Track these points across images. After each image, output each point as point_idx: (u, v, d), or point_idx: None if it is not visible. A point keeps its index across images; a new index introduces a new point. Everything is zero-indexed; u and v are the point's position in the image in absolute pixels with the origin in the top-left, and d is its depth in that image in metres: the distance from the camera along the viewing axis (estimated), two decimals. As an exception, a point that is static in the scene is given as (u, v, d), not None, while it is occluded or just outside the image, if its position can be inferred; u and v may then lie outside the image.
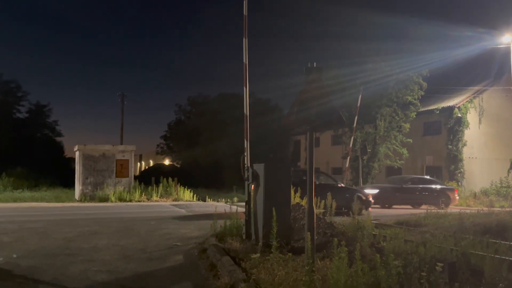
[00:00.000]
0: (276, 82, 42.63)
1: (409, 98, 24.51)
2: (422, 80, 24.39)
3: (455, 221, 9.18)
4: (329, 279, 3.87)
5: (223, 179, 32.05)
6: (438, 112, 26.13)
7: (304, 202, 8.77)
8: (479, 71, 29.93)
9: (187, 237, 8.06)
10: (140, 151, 57.89)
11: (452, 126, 25.75)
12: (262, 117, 29.22)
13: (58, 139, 38.06)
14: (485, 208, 12.89)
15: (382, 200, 17.74)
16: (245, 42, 7.73)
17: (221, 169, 33.99)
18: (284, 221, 6.19)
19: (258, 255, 5.41)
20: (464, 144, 25.47)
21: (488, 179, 22.33)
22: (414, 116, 24.98)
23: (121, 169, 18.40)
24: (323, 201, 8.36)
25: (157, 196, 18.40)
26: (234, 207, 8.44)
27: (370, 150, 24.38)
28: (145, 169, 49.01)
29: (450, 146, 25.59)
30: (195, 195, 19.18)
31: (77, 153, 18.28)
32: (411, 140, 24.94)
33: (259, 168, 6.62)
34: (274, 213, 5.33)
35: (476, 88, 27.40)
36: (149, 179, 20.79)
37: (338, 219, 8.21)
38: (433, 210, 11.67)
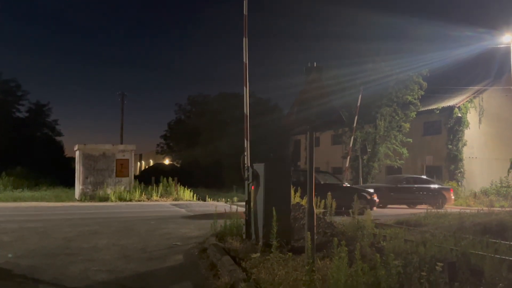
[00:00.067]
0: (276, 82, 42.69)
1: (409, 98, 24.50)
2: (422, 80, 24.38)
3: (455, 221, 9.19)
4: (329, 279, 3.87)
5: (223, 178, 32.05)
6: (438, 112, 26.12)
7: (304, 202, 8.77)
8: (479, 71, 29.96)
9: (187, 236, 8.06)
10: (140, 150, 57.97)
11: (452, 126, 25.74)
12: (262, 117, 29.22)
13: (58, 138, 38.11)
14: (485, 208, 12.90)
15: None
16: (245, 41, 7.73)
17: (221, 168, 34.00)
18: (284, 220, 6.19)
19: (258, 254, 5.42)
20: (464, 144, 25.46)
21: (488, 179, 22.33)
22: (414, 116, 24.98)
23: (121, 168, 18.39)
24: (323, 200, 8.36)
25: (157, 196, 18.39)
26: (234, 207, 8.45)
27: (370, 150, 24.38)
28: (145, 169, 48.99)
29: (450, 146, 25.58)
30: (195, 195, 19.17)
31: (77, 153, 18.27)
32: (411, 140, 24.94)
33: (259, 167, 6.62)
34: (274, 212, 5.33)
35: (476, 88, 27.39)
36: (149, 178, 20.79)
37: (338, 219, 8.22)
38: (433, 210, 11.66)
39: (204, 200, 18.55)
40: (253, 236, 6.61)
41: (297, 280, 4.15)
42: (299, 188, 10.59)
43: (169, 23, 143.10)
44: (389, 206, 18.01)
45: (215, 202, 16.75)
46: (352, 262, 3.98)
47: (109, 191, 17.66)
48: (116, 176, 18.26)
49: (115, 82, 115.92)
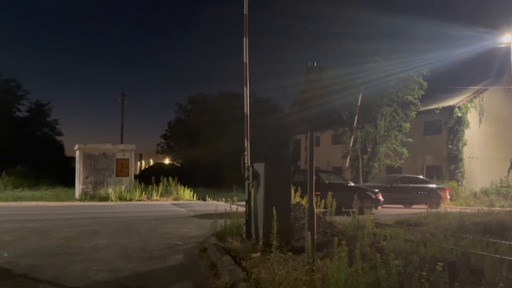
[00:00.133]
0: (277, 82, 42.63)
1: (410, 97, 24.48)
2: (423, 79, 24.36)
3: (455, 221, 9.18)
4: (329, 279, 3.87)
5: (223, 178, 32.07)
6: (438, 111, 26.12)
7: (304, 202, 8.77)
8: (480, 71, 29.97)
9: (187, 236, 8.06)
10: (140, 150, 58.04)
11: (452, 125, 25.74)
12: (262, 117, 29.22)
13: (58, 138, 38.14)
14: (485, 208, 12.89)
15: None
16: (245, 41, 7.73)
17: (221, 168, 34.01)
18: (284, 220, 6.19)
19: (259, 254, 5.42)
20: (464, 144, 25.46)
21: (488, 179, 22.32)
22: (415, 116, 24.96)
23: (122, 168, 18.39)
24: (323, 200, 8.35)
25: (157, 195, 18.39)
26: (234, 207, 8.45)
27: (370, 150, 24.37)
28: (145, 168, 49.01)
29: (450, 146, 25.58)
30: (195, 194, 19.17)
31: (77, 152, 18.27)
32: (411, 140, 24.93)
33: (260, 167, 6.62)
34: (274, 212, 5.33)
35: (477, 87, 27.38)
36: (149, 178, 20.79)
37: (338, 219, 8.22)
38: (433, 210, 11.65)
39: (204, 200, 18.55)
40: (253, 236, 6.61)
41: (297, 280, 4.15)
42: (299, 187, 10.60)
43: (169, 23, 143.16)
44: (384, 206, 17.96)
45: (215, 202, 16.75)
46: (352, 261, 3.98)
47: (109, 190, 17.66)
48: (116, 175, 18.26)
49: (116, 81, 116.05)
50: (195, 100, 44.13)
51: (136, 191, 18.07)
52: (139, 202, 17.11)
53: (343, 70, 22.60)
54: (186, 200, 18.51)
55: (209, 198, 18.84)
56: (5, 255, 6.07)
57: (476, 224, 8.46)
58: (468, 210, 12.38)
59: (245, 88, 7.80)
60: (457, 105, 25.70)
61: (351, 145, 23.58)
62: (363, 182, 22.31)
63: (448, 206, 17.24)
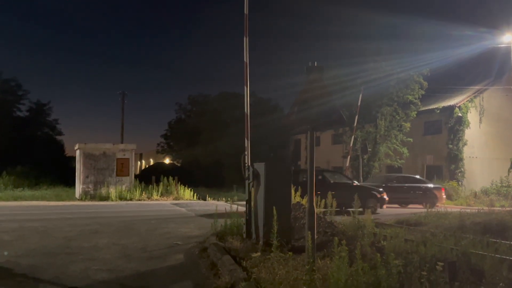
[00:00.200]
0: (277, 81, 42.55)
1: (410, 97, 24.47)
2: (423, 79, 24.35)
3: (456, 221, 9.17)
4: (329, 278, 3.87)
5: (223, 178, 32.07)
6: (438, 111, 26.10)
7: (304, 201, 8.77)
8: (480, 71, 29.93)
9: (187, 236, 8.06)
10: (140, 150, 58.06)
11: (452, 125, 25.73)
12: (262, 117, 29.22)
13: (58, 137, 38.10)
14: (485, 208, 12.88)
15: None
16: (245, 41, 7.73)
17: (222, 168, 34.01)
18: (285, 220, 6.19)
19: (259, 254, 5.42)
20: (465, 144, 25.44)
21: (489, 179, 22.31)
22: (415, 116, 24.96)
23: (122, 167, 18.39)
24: (323, 200, 8.34)
25: (157, 195, 18.40)
26: (234, 206, 8.45)
27: (370, 149, 24.36)
28: (145, 168, 49.02)
29: (450, 146, 25.57)
30: (195, 194, 19.18)
31: (77, 152, 18.28)
32: (411, 140, 24.92)
33: (260, 167, 6.62)
34: (274, 212, 5.33)
35: (477, 87, 27.37)
36: (149, 178, 20.79)
37: (338, 218, 8.22)
38: (433, 210, 11.65)
39: (205, 200, 18.55)
40: (254, 236, 6.61)
41: (297, 280, 4.15)
42: (299, 187, 10.60)
43: (169, 23, 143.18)
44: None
45: (216, 202, 16.75)
46: (352, 261, 3.98)
47: (109, 190, 17.66)
48: (117, 175, 18.27)
49: (116, 81, 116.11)
50: (195, 100, 44.15)
51: (136, 190, 18.08)
52: (139, 202, 17.12)
53: (343, 70, 22.58)
54: (186, 199, 18.51)
55: (209, 198, 18.85)
56: (6, 253, 6.08)
57: (476, 224, 8.46)
58: (468, 210, 12.37)
59: (245, 87, 7.80)
60: (458, 105, 25.69)
61: (351, 145, 23.57)
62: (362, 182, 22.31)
63: (448, 206, 17.24)
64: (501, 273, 4.37)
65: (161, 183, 19.16)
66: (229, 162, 30.34)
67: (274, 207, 5.53)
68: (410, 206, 17.95)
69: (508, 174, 20.84)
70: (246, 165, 7.22)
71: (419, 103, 24.89)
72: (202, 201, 18.02)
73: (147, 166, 53.28)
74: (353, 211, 7.59)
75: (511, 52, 21.54)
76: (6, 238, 7.46)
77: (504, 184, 21.20)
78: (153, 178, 20.03)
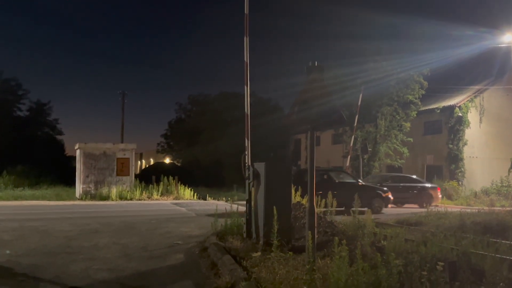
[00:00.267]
0: (277, 81, 42.58)
1: (410, 97, 24.48)
2: (423, 79, 24.36)
3: (456, 220, 9.18)
4: (329, 278, 3.88)
5: (223, 177, 32.08)
6: (439, 111, 26.11)
7: (305, 201, 8.77)
8: (480, 70, 29.92)
9: (188, 235, 8.06)
10: (140, 149, 58.01)
11: (452, 125, 25.73)
12: (263, 117, 29.19)
13: (58, 137, 38.11)
14: (485, 208, 12.88)
15: None
16: (246, 40, 7.73)
17: (222, 168, 34.01)
18: (285, 219, 6.19)
19: (259, 253, 5.43)
20: (465, 144, 25.45)
21: (489, 179, 22.32)
22: (415, 115, 24.96)
23: (122, 167, 18.40)
24: (323, 199, 8.34)
25: (157, 195, 18.40)
26: (234, 206, 8.45)
27: (370, 149, 24.36)
28: (145, 168, 49.03)
29: (450, 145, 25.57)
30: (195, 194, 19.18)
31: (78, 151, 18.28)
32: (411, 139, 24.92)
33: (260, 167, 6.62)
34: (275, 211, 5.33)
35: (477, 87, 27.37)
36: (149, 177, 20.81)
37: (338, 218, 8.21)
38: (433, 209, 11.65)
39: (205, 199, 18.56)
40: (254, 235, 6.61)
41: (297, 279, 4.15)
42: (299, 187, 10.60)
43: (169, 23, 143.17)
44: None
45: (216, 201, 16.74)
46: (352, 261, 3.98)
47: (110, 190, 17.67)
48: (117, 175, 18.28)
49: (116, 81, 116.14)
50: (196, 99, 44.15)
51: (136, 190, 18.08)
52: (139, 202, 17.13)
53: (343, 70, 22.59)
54: (187, 199, 18.52)
55: (210, 198, 18.85)
56: (7, 252, 6.08)
57: (476, 223, 8.47)
58: (469, 210, 12.38)
59: (245, 87, 7.80)
60: (458, 105, 25.69)
61: (351, 144, 23.57)
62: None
63: (448, 206, 17.22)
64: (502, 273, 4.37)
65: (161, 183, 19.16)
66: (229, 162, 30.35)
67: (274, 207, 5.53)
68: (405, 206, 17.90)
69: (509, 174, 20.87)
70: (246, 165, 7.22)
71: (419, 103, 24.90)
72: (202, 201, 18.02)
73: (147, 165, 53.29)
74: (353, 211, 7.58)
75: (511, 52, 21.53)
76: (6, 237, 7.46)
77: (504, 184, 21.21)
78: (153, 177, 20.04)
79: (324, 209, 8.26)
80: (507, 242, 6.20)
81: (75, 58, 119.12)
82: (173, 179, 19.59)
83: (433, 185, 19.34)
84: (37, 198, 17.02)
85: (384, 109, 24.30)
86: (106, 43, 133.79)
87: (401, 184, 18.34)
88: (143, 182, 19.32)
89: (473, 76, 29.79)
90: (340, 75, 22.15)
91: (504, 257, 4.93)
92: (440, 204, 17.12)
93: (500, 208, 13.42)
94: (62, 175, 26.61)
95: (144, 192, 18.32)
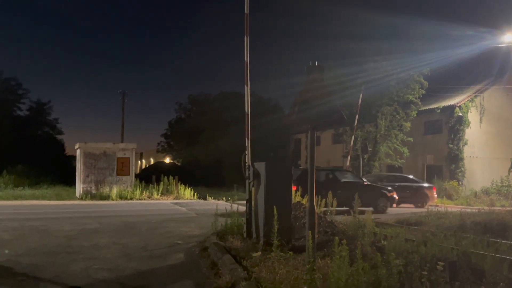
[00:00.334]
0: (277, 81, 42.58)
1: (410, 97, 24.47)
2: (423, 79, 24.34)
3: (456, 220, 9.18)
4: (330, 278, 3.88)
5: (223, 177, 32.07)
6: (439, 111, 26.10)
7: (305, 201, 8.77)
8: (481, 70, 29.89)
9: (188, 235, 8.06)
10: (140, 149, 58.08)
11: (453, 125, 25.72)
12: (263, 116, 29.18)
13: (59, 137, 38.12)
14: (486, 207, 12.88)
15: None
16: (246, 40, 7.73)
17: (222, 167, 34.01)
18: (285, 219, 6.19)
19: (259, 253, 5.43)
20: (465, 143, 25.44)
21: (489, 178, 22.32)
22: (415, 115, 24.95)
23: (122, 167, 18.39)
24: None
25: (158, 194, 18.40)
26: (235, 206, 8.45)
27: (371, 149, 24.36)
28: (145, 167, 49.04)
29: (451, 145, 25.56)
30: (196, 194, 19.18)
31: (78, 151, 18.28)
32: (412, 139, 24.91)
33: (260, 166, 6.62)
34: (275, 211, 5.33)
35: (477, 87, 27.35)
36: (149, 177, 20.80)
37: (339, 218, 8.22)
38: (434, 209, 11.65)
39: (205, 199, 18.56)
40: (254, 235, 6.61)
41: (298, 279, 4.15)
42: (299, 186, 10.60)
43: (169, 23, 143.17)
44: None
45: (216, 201, 16.74)
46: (353, 261, 3.98)
47: (110, 189, 17.67)
48: (117, 174, 18.27)
49: (116, 81, 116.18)
50: (196, 99, 44.15)
51: (136, 190, 18.08)
52: (139, 201, 17.13)
53: (343, 70, 22.58)
54: (187, 199, 18.52)
55: (210, 197, 18.85)
56: (6, 252, 6.08)
57: (476, 223, 8.47)
58: (469, 210, 12.38)
59: (246, 87, 7.81)
60: (458, 105, 25.68)
61: (351, 144, 23.56)
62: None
63: (448, 206, 17.23)
64: (502, 273, 4.37)
65: (162, 183, 19.16)
66: (229, 161, 30.34)
67: (274, 207, 5.52)
68: (401, 205, 17.85)
69: (509, 174, 20.87)
70: (247, 164, 7.22)
71: (420, 103, 24.88)
72: (202, 201, 18.02)
73: (147, 165, 53.31)
74: (353, 211, 7.59)
75: (511, 52, 21.53)
76: (6, 237, 7.46)
77: (504, 184, 21.22)
78: (154, 177, 20.04)
79: (325, 208, 8.27)
80: (507, 242, 6.20)
81: (75, 58, 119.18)
82: (173, 178, 19.59)
83: (429, 185, 19.22)
84: (37, 198, 17.02)
85: (384, 109, 24.30)
86: (106, 43, 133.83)
87: (397, 184, 18.14)
88: (143, 181, 19.31)
89: (473, 76, 29.80)
90: (340, 75, 22.14)
91: (504, 257, 4.93)
92: (440, 204, 17.12)
93: (500, 208, 13.42)
94: (62, 174, 26.62)
95: (144, 191, 18.31)
